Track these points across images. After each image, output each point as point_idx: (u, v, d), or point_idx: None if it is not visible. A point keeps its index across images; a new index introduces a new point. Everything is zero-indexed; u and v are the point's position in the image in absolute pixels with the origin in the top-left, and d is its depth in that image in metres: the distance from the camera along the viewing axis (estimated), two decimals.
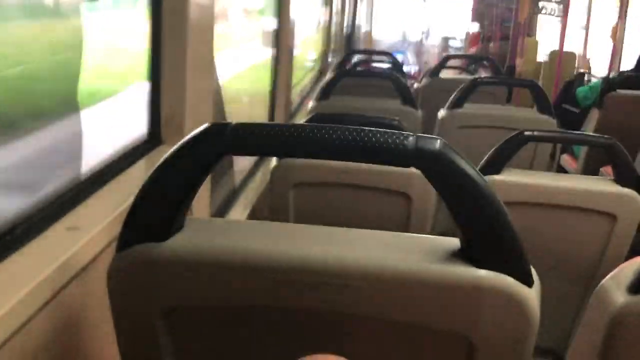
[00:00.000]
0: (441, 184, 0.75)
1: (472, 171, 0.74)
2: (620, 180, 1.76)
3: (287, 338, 0.84)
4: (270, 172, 1.72)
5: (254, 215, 2.20)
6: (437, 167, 0.74)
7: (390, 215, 1.74)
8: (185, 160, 0.77)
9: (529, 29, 7.69)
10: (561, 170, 4.25)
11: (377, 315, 0.78)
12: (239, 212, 2.16)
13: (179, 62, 1.43)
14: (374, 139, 0.73)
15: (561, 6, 5.80)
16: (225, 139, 0.75)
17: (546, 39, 8.43)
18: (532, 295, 0.75)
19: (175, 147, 0.78)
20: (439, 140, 0.74)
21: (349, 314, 0.78)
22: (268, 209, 1.76)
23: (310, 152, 0.75)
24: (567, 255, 1.80)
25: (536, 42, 7.48)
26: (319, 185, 1.74)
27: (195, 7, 1.41)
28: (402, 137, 0.73)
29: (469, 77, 4.00)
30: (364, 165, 1.66)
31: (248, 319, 0.83)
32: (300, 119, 3.58)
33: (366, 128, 0.74)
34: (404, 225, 1.73)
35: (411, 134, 0.74)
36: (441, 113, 2.73)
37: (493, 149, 1.73)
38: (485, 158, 1.72)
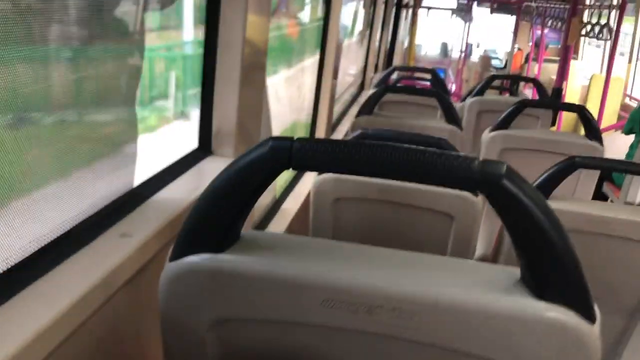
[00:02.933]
0: (505, 210, 0.73)
1: (539, 199, 0.72)
2: None
3: (336, 358, 0.83)
4: (312, 185, 1.71)
5: (292, 227, 2.20)
6: (502, 193, 0.72)
7: (431, 235, 1.71)
8: (248, 172, 0.77)
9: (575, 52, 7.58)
10: (603, 197, 4.14)
11: (431, 342, 0.76)
12: (278, 224, 2.16)
13: (232, 76, 1.44)
14: (439, 161, 0.72)
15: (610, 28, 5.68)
16: (290, 154, 0.75)
17: (589, 63, 8.30)
18: (594, 332, 0.72)
19: (238, 159, 0.78)
20: (505, 165, 0.72)
21: (402, 339, 0.77)
22: (308, 222, 1.75)
23: (375, 171, 0.74)
24: (612, 286, 1.74)
25: (582, 66, 7.37)
26: (360, 200, 1.72)
27: (251, 22, 1.43)
28: (467, 161, 0.72)
29: (513, 98, 3.93)
30: (407, 183, 1.64)
31: (297, 336, 0.82)
32: (340, 134, 3.58)
33: (431, 149, 0.73)
34: (444, 245, 1.70)
35: (475, 157, 0.73)
36: (486, 134, 2.67)
37: (543, 174, 1.69)
38: (534, 183, 1.68)
